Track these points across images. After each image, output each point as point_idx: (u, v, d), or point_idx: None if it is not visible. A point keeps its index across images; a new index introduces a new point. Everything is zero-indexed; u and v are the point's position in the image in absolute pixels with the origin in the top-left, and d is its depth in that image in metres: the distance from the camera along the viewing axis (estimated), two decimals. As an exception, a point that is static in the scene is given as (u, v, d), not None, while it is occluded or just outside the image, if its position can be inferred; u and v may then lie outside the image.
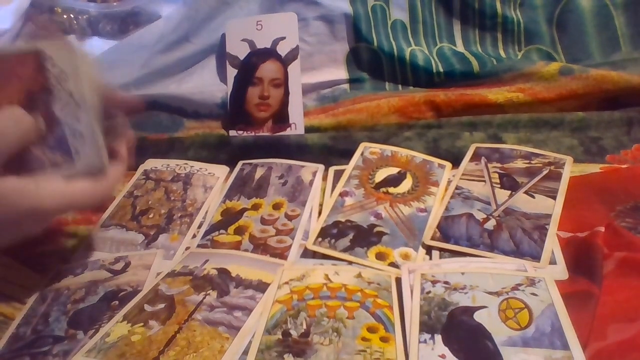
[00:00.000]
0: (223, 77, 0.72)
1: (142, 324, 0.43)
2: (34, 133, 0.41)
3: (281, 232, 0.54)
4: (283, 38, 0.70)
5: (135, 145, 0.69)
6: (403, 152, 0.63)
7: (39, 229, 0.43)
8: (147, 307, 0.45)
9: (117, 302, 0.46)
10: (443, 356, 0.38)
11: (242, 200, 0.59)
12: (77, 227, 0.58)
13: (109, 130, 0.45)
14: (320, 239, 0.52)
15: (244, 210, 0.58)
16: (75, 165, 0.43)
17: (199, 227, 0.57)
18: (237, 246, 0.53)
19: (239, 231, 0.55)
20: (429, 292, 0.43)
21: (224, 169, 0.65)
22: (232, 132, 0.70)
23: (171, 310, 0.44)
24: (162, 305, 0.45)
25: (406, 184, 0.58)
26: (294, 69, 0.70)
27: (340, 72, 0.73)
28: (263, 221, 0.56)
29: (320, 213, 0.56)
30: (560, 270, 0.46)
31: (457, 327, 0.40)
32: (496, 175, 0.57)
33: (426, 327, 0.40)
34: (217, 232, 0.55)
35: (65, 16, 0.78)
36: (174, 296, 0.45)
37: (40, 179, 0.41)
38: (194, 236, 0.56)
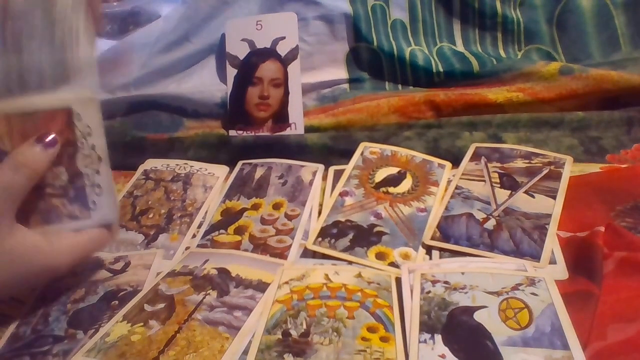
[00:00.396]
0: (223, 77, 0.72)
1: (142, 323, 0.43)
2: (44, 167, 0.41)
3: (281, 232, 0.54)
4: (283, 38, 0.70)
5: (135, 145, 0.69)
6: (403, 151, 0.63)
7: (50, 281, 0.45)
8: (147, 307, 0.45)
9: (117, 302, 0.46)
10: (443, 356, 0.38)
11: (242, 200, 0.59)
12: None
13: None
14: (320, 239, 0.52)
15: (244, 210, 0.58)
16: (91, 217, 0.44)
17: (199, 227, 0.57)
18: (237, 246, 0.53)
19: (239, 231, 0.55)
20: (429, 292, 0.43)
21: (224, 168, 0.65)
22: (232, 132, 0.70)
23: (171, 310, 0.44)
24: (162, 305, 0.45)
25: (406, 184, 0.58)
26: (293, 68, 0.70)
27: (340, 72, 0.73)
28: (263, 221, 0.56)
29: (320, 213, 0.56)
30: (560, 270, 0.46)
31: (457, 327, 0.40)
32: (496, 175, 0.57)
33: (426, 327, 0.40)
34: (217, 232, 0.55)
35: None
36: (174, 296, 0.45)
37: (52, 234, 0.42)
38: (194, 236, 0.56)
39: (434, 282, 0.44)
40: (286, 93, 0.69)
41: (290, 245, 0.52)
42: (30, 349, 0.43)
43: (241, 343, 0.41)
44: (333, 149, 0.66)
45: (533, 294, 0.42)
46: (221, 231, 0.55)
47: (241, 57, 0.71)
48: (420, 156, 0.62)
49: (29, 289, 0.46)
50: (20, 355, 0.42)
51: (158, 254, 0.52)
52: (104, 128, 0.45)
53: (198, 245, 0.54)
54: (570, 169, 0.57)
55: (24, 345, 0.43)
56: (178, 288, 0.46)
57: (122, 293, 0.47)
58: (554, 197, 0.53)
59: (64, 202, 0.43)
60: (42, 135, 0.41)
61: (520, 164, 0.58)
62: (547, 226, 0.50)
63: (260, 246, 0.53)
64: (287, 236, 0.54)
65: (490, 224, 0.51)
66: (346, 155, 0.63)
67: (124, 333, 0.42)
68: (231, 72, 0.71)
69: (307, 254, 0.52)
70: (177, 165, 0.66)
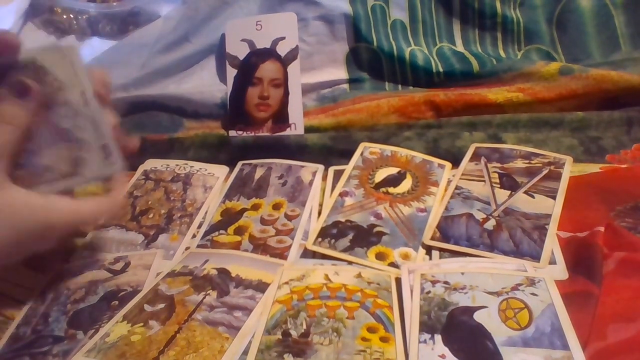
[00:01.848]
0: (223, 77, 0.72)
1: (142, 324, 0.43)
2: (25, 120, 0.40)
3: (281, 232, 0.54)
4: (283, 38, 0.70)
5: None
6: (403, 152, 0.63)
7: (46, 246, 0.43)
8: (147, 307, 0.45)
9: (117, 302, 0.46)
10: (443, 356, 0.38)
11: (241, 200, 0.59)
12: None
13: None
14: (320, 239, 0.52)
15: (244, 210, 0.58)
16: (80, 174, 0.43)
17: (199, 227, 0.57)
18: (236, 246, 0.53)
19: (239, 231, 0.55)
20: (428, 292, 0.43)
21: (224, 169, 0.65)
22: (232, 132, 0.70)
23: (171, 310, 0.44)
24: (162, 305, 0.45)
25: (406, 184, 0.58)
26: (293, 69, 0.69)
27: (340, 72, 0.73)
28: (263, 221, 0.56)
29: (320, 213, 0.56)
30: (560, 270, 0.46)
31: (457, 327, 0.40)
32: (496, 175, 0.57)
33: (426, 327, 0.40)
34: (216, 233, 0.55)
35: (65, 16, 0.78)
36: (174, 296, 0.46)
37: (48, 194, 0.41)
38: (194, 236, 0.56)
39: (433, 283, 0.44)
40: (286, 93, 0.69)
41: (290, 246, 0.52)
42: (30, 349, 0.43)
43: (241, 343, 0.41)
44: (333, 149, 0.66)
45: (533, 294, 0.42)
46: (221, 231, 0.55)
47: (241, 57, 0.71)
48: (420, 156, 0.62)
49: (26, 253, 0.43)
50: (20, 355, 0.42)
51: (158, 254, 0.52)
52: (81, 74, 0.43)
53: (198, 246, 0.54)
54: (570, 169, 0.57)
55: (24, 346, 0.43)
56: (178, 288, 0.46)
57: (122, 293, 0.47)
58: (554, 198, 0.53)
59: (52, 162, 0.42)
60: (13, 86, 0.40)
61: (520, 164, 0.58)
62: (547, 226, 0.50)
63: (260, 246, 0.53)
64: (287, 236, 0.54)
65: (490, 224, 0.51)
66: (346, 155, 0.63)
67: (124, 333, 0.42)
68: (231, 73, 0.71)
69: (307, 254, 0.52)
70: (177, 165, 0.66)
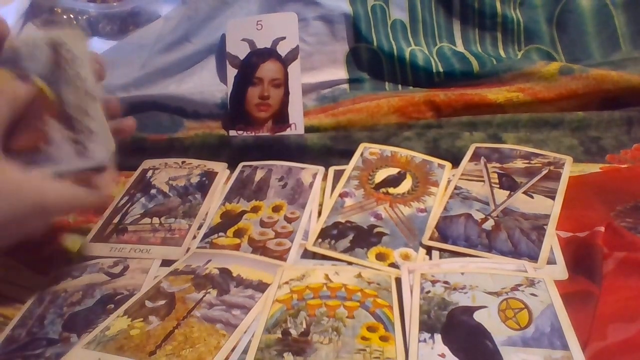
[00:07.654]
0: (223, 77, 0.72)
1: (141, 319, 0.43)
2: (25, 93, 0.40)
3: (280, 234, 0.54)
4: (283, 38, 0.70)
5: (135, 146, 0.69)
6: (403, 152, 0.63)
7: (40, 227, 0.43)
8: (148, 303, 0.45)
9: (112, 306, 0.46)
10: (443, 355, 0.38)
11: (241, 202, 0.59)
12: (78, 228, 0.58)
13: None
14: (320, 240, 0.52)
15: (244, 212, 0.57)
16: (84, 162, 0.43)
17: (199, 228, 0.57)
18: (236, 249, 0.53)
19: (238, 234, 0.55)
20: (428, 292, 0.43)
21: (224, 165, 0.65)
22: (232, 132, 0.70)
23: (171, 307, 0.44)
24: (162, 302, 0.45)
25: (406, 184, 0.58)
26: (294, 69, 0.70)
27: (340, 72, 0.73)
28: (262, 224, 0.56)
29: (320, 214, 0.56)
30: (560, 270, 0.46)
31: (456, 326, 0.40)
32: (495, 175, 0.57)
33: (426, 326, 0.40)
34: (216, 235, 0.55)
35: (65, 16, 0.78)
36: (175, 293, 0.46)
37: (44, 174, 0.41)
38: (194, 237, 0.55)
39: (433, 282, 0.44)
40: (286, 93, 0.69)
41: (290, 249, 0.52)
42: (23, 351, 0.42)
43: (237, 340, 0.41)
44: (333, 149, 0.66)
45: (532, 294, 0.42)
46: (220, 234, 0.55)
47: (241, 57, 0.71)
48: (420, 156, 0.62)
49: (19, 234, 0.41)
50: (13, 358, 0.42)
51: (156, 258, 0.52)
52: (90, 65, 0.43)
53: (197, 248, 0.54)
54: (569, 169, 0.57)
55: (18, 348, 0.43)
56: (179, 286, 0.47)
57: (118, 296, 0.47)
58: (553, 198, 0.53)
59: (52, 144, 0.42)
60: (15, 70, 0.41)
61: (519, 164, 0.58)
62: (545, 227, 0.50)
63: (259, 249, 0.52)
64: (286, 239, 0.53)
65: (489, 224, 0.51)
66: (346, 155, 0.63)
67: (123, 327, 0.42)
68: (231, 72, 0.71)
69: (307, 254, 0.52)
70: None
